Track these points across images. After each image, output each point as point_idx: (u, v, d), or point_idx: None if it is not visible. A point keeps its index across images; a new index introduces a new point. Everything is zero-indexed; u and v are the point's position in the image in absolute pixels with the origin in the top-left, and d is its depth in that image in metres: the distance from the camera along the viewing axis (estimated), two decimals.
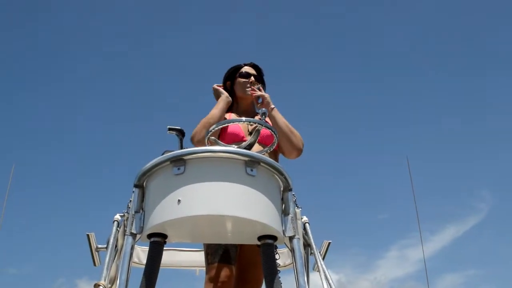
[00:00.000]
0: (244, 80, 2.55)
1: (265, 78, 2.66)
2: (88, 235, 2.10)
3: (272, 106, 2.46)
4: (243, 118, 2.15)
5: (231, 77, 2.61)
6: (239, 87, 2.54)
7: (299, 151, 2.48)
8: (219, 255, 2.20)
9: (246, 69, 2.59)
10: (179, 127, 2.35)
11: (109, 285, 1.79)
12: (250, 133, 2.44)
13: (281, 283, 1.73)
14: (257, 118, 2.51)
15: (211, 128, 1.90)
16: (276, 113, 2.47)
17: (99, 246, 2.10)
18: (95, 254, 2.11)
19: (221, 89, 2.56)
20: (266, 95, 2.50)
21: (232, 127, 2.38)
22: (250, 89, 2.52)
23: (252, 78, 2.55)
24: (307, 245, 1.95)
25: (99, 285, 1.73)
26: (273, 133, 1.94)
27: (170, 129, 2.34)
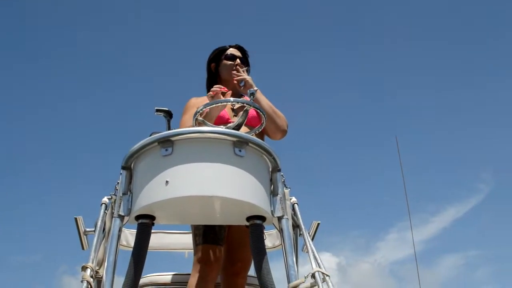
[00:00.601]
0: (230, 62, 2.51)
1: (250, 60, 2.64)
2: (76, 218, 2.08)
3: (255, 88, 2.43)
4: (231, 99, 2.12)
5: (216, 59, 2.57)
6: (224, 70, 2.51)
7: (284, 132, 2.46)
8: (207, 236, 2.20)
9: (232, 51, 2.54)
10: (166, 108, 2.32)
11: (97, 268, 1.78)
12: (235, 116, 2.41)
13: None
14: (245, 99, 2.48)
15: (198, 109, 1.88)
16: (260, 95, 2.44)
17: (87, 229, 2.08)
18: (83, 238, 2.10)
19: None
20: (248, 77, 2.46)
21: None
22: (234, 72, 2.49)
23: (238, 60, 2.51)
24: (296, 226, 1.95)
25: (86, 267, 1.72)
26: (261, 113, 1.93)
27: (157, 110, 2.31)
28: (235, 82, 2.46)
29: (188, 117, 2.32)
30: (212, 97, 2.18)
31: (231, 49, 2.56)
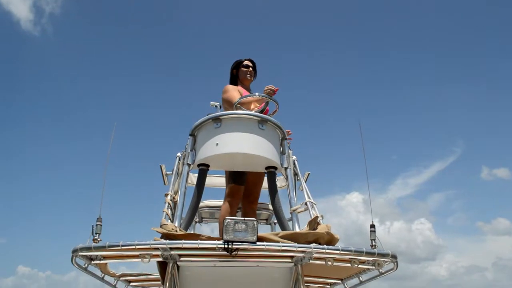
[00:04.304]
0: (245, 69, 3.70)
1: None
2: (160, 166, 3.18)
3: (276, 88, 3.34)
4: (256, 93, 3.15)
5: (237, 67, 3.76)
6: (241, 74, 3.73)
7: None
8: (234, 179, 3.24)
9: (246, 62, 3.76)
10: (218, 103, 3.36)
11: (174, 195, 2.81)
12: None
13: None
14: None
15: (237, 100, 2.90)
16: None
17: (168, 172, 3.16)
18: (165, 178, 3.19)
19: None
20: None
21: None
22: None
23: (250, 68, 3.72)
24: (295, 174, 2.95)
25: (167, 194, 2.75)
26: (277, 104, 2.93)
27: (212, 104, 3.36)
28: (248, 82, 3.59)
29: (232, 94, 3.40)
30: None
31: (246, 61, 3.72)
